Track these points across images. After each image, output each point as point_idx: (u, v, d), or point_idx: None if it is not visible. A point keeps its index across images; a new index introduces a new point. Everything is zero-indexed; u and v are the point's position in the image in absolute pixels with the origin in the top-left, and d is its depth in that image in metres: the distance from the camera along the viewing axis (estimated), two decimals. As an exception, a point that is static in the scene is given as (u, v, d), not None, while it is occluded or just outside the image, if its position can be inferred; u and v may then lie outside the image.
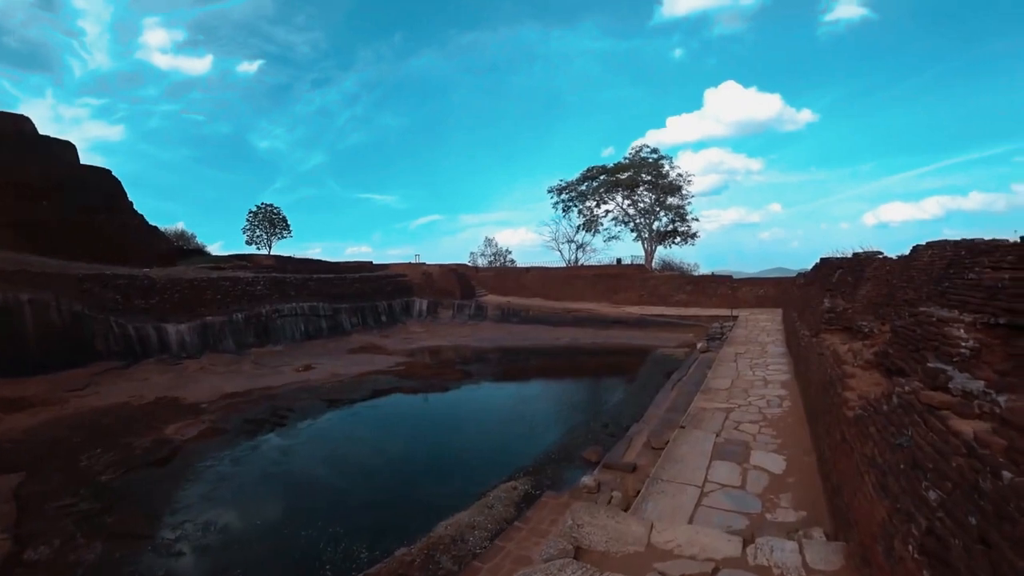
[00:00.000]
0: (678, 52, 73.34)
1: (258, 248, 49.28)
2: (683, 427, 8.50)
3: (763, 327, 21.29)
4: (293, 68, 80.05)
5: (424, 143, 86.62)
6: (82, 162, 26.20)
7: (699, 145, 70.24)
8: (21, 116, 24.09)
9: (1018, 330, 4.35)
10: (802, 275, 20.76)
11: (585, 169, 40.95)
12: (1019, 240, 4.97)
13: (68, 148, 25.85)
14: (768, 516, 5.53)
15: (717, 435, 8.04)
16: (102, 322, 17.56)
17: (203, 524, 8.11)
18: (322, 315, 27.62)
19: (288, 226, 53.21)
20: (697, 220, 40.46)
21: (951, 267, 6.18)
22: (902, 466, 3.30)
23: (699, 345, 18.89)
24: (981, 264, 5.39)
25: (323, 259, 37.86)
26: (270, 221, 52.48)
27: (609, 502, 6.63)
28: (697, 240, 40.17)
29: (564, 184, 41.79)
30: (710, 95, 68.73)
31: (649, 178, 38.75)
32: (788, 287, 25.16)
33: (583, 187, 40.63)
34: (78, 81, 70.04)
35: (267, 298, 24.92)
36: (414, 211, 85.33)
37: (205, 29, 73.75)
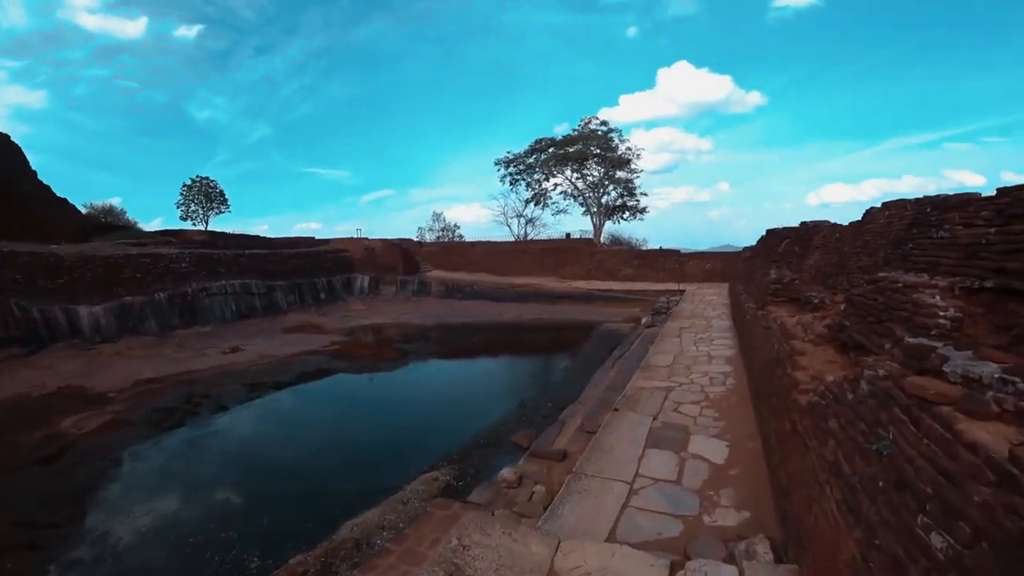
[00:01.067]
0: (632, 31, 72.58)
1: (194, 224, 46.01)
2: (617, 410, 7.60)
3: (709, 301, 20.85)
4: (235, 33, 74.75)
5: (374, 115, 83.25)
6: None
7: (651, 124, 70.29)
8: None
9: (1007, 294, 3.49)
10: (748, 249, 20.35)
11: (533, 141, 39.74)
12: (997, 192, 4.14)
13: None
14: (706, 519, 4.65)
15: (654, 418, 7.16)
16: (0, 305, 15.35)
17: (77, 531, 7.03)
18: (255, 293, 25.57)
19: (226, 200, 49.90)
20: (646, 195, 39.99)
21: (914, 227, 5.35)
22: (881, 483, 2.35)
23: (643, 320, 18.23)
24: (951, 221, 4.56)
25: (262, 235, 35.54)
26: (206, 195, 49.05)
27: (530, 499, 5.67)
28: (647, 216, 39.77)
29: (512, 156, 40.35)
30: (663, 74, 68.67)
31: (598, 151, 37.75)
32: (734, 261, 24.88)
33: (531, 160, 39.32)
34: None
35: (193, 276, 22.79)
36: (364, 186, 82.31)
37: None
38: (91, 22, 66.02)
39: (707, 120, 73.18)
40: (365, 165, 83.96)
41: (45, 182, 26.13)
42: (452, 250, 35.53)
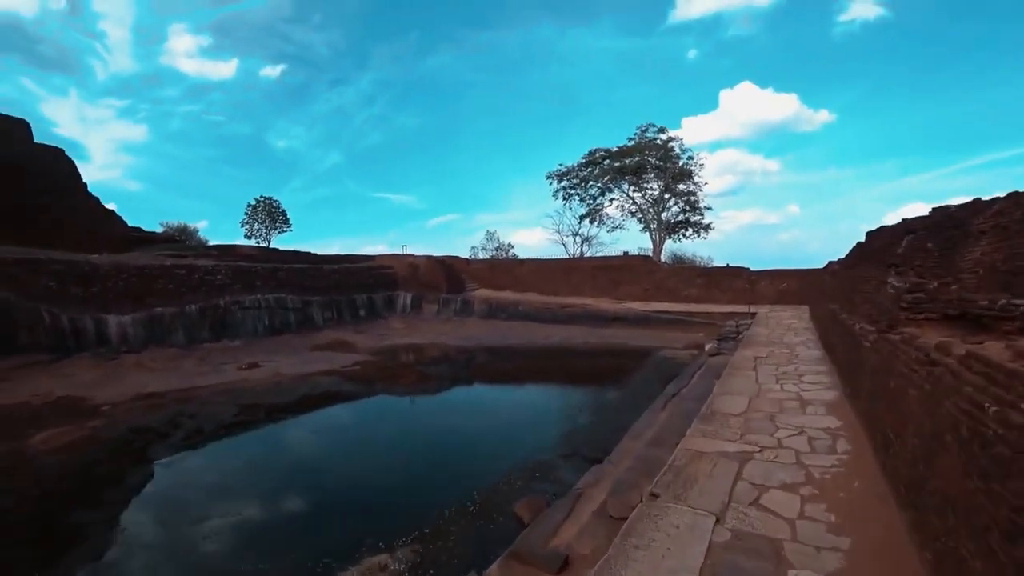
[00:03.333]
0: (692, 53, 68.99)
1: (258, 242, 46.23)
2: (656, 496, 4.49)
3: (788, 325, 17.02)
4: (311, 68, 78.00)
5: (440, 143, 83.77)
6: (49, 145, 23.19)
7: (715, 146, 65.93)
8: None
9: None
10: (838, 261, 16.44)
11: (587, 152, 36.40)
12: None
13: (20, 126, 22.91)
14: None
15: (718, 520, 4.01)
16: (31, 311, 14.86)
17: None
18: (290, 308, 24.12)
19: (288, 220, 50.41)
20: (710, 209, 35.89)
21: None
22: None
23: (707, 347, 14.74)
24: None
25: (314, 252, 34.27)
26: (269, 214, 49.61)
27: None
28: (712, 235, 35.77)
29: (565, 169, 37.25)
30: (725, 96, 64.37)
31: (657, 162, 34.26)
32: (816, 279, 20.81)
33: (585, 172, 36.20)
34: (101, 83, 68.73)
35: (228, 288, 21.64)
36: (431, 210, 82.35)
37: (227, 32, 71.88)
38: (189, 66, 70.48)
39: (773, 140, 67.95)
40: (431, 190, 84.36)
41: (94, 195, 25.97)
42: (499, 268, 32.96)
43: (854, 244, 13.01)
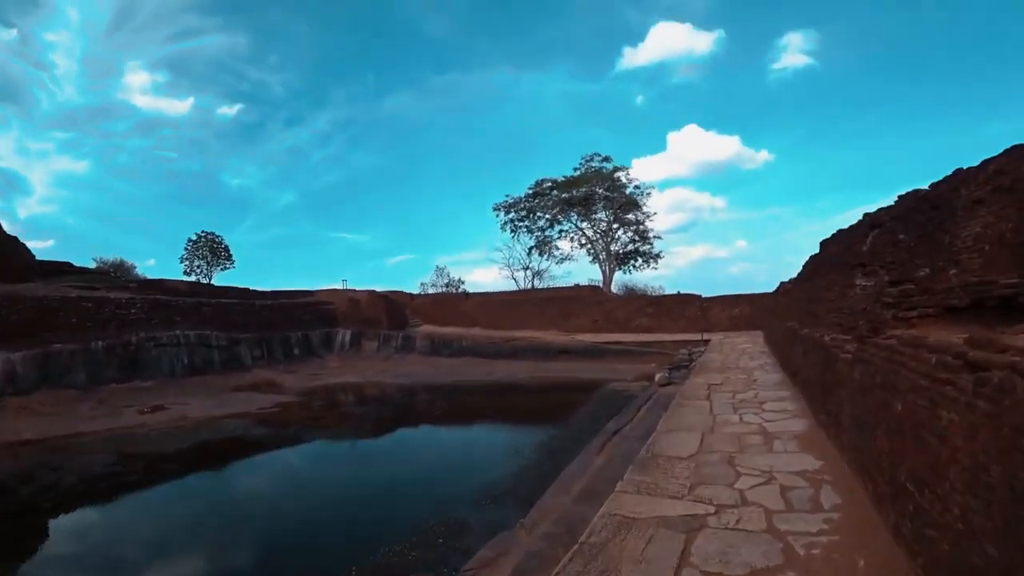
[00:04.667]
0: (640, 99, 71.07)
1: (198, 279, 42.77)
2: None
3: (743, 350, 15.69)
4: (266, 107, 75.96)
5: (397, 182, 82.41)
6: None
7: (664, 184, 67.10)
8: None
9: None
10: (786, 283, 15.32)
11: (534, 183, 35.28)
12: None
13: None
14: None
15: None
16: None
17: None
18: (214, 346, 21.51)
19: (231, 256, 46.94)
20: (660, 238, 34.95)
21: None
22: None
23: (657, 377, 13.13)
24: None
25: (256, 288, 31.42)
26: (211, 250, 46.15)
27: None
28: (664, 266, 35.06)
29: (511, 200, 35.84)
30: (672, 137, 66.33)
31: (605, 192, 33.47)
32: (768, 302, 19.78)
33: (533, 203, 34.92)
34: (45, 114, 64.96)
35: (142, 324, 19.17)
36: (388, 250, 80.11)
37: (182, 69, 69.88)
38: (143, 101, 67.62)
39: (719, 179, 69.78)
40: (388, 230, 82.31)
41: None
42: (444, 303, 31.02)
43: (806, 259, 11.84)
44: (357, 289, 30.86)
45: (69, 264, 25.92)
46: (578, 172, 33.95)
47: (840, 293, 6.55)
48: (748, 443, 5.46)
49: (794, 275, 14.40)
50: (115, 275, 30.82)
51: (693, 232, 72.78)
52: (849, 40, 64.57)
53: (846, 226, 8.21)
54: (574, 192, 33.16)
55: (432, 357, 24.92)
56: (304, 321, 27.09)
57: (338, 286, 31.65)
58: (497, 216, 35.92)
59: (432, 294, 33.21)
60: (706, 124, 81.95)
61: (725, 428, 6.18)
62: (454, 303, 30.44)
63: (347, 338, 27.55)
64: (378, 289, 31.11)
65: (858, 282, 5.69)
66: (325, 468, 10.52)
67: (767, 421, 6.36)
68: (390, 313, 28.59)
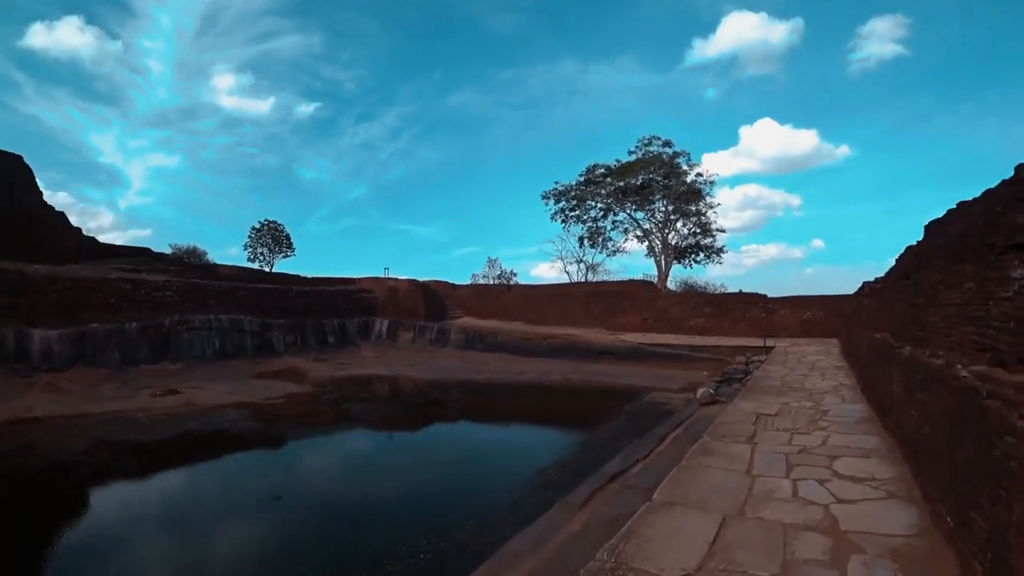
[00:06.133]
0: (710, 91, 66.14)
1: (261, 266, 43.52)
2: None
3: (813, 363, 12.60)
4: (339, 103, 78.38)
5: (462, 176, 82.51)
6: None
7: (735, 180, 62.25)
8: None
9: None
10: (873, 282, 12.01)
11: (585, 169, 31.91)
12: None
13: None
14: None
15: None
16: None
17: None
18: (247, 331, 20.92)
19: (291, 244, 47.55)
20: (723, 231, 31.03)
21: None
22: None
23: (699, 392, 10.44)
24: None
25: (304, 275, 30.86)
26: (273, 238, 46.90)
27: None
28: (734, 265, 32.08)
29: (561, 188, 32.55)
30: (745, 132, 61.58)
31: (663, 180, 30.06)
32: (849, 306, 16.33)
33: (584, 191, 31.98)
34: (141, 114, 70.30)
35: (176, 306, 18.86)
36: (453, 243, 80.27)
37: (264, 70, 73.39)
38: (228, 101, 71.42)
39: (795, 176, 63.81)
40: (453, 223, 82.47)
41: (48, 203, 23.42)
42: (485, 294, 29.05)
43: (903, 249, 8.77)
44: (398, 278, 29.50)
45: (121, 247, 26.16)
46: (634, 157, 30.64)
47: (976, 294, 3.88)
48: (800, 555, 2.97)
49: (881, 274, 11.27)
50: (188, 260, 31.36)
51: (766, 230, 67.03)
52: (942, 23, 56.66)
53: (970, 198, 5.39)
54: (629, 181, 30.03)
55: (466, 351, 23.05)
56: (341, 309, 26.00)
57: (380, 275, 30.42)
58: (546, 205, 33.17)
59: (474, 285, 31.29)
60: (781, 118, 75.26)
61: (764, 510, 3.68)
62: (496, 296, 28.42)
63: (384, 328, 26.20)
64: (421, 280, 29.63)
65: (1016, 274, 3.13)
66: (285, 479, 8.74)
67: (840, 501, 3.78)
68: (428, 303, 26.99)
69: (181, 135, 73.41)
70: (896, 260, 9.37)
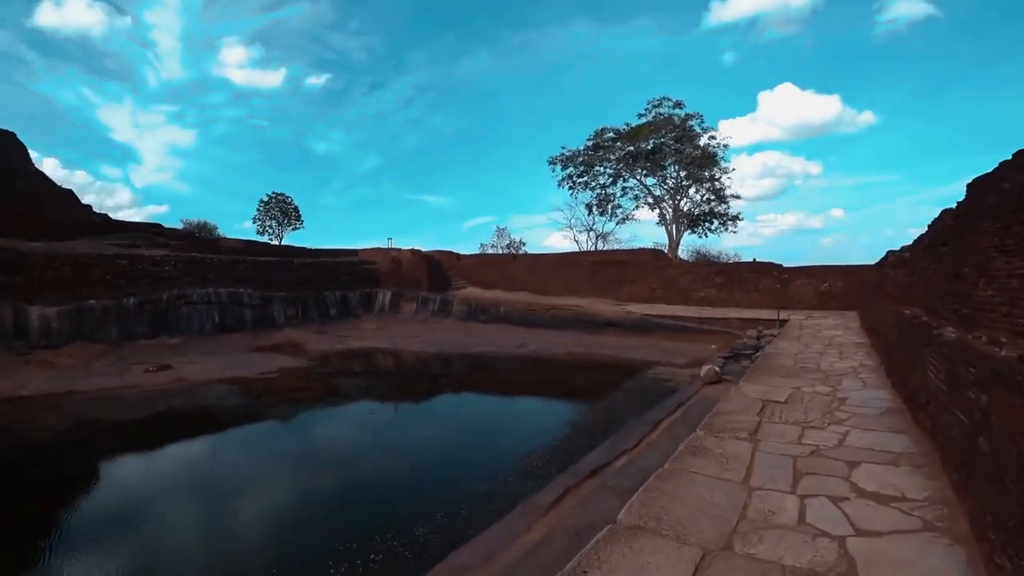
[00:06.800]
0: (728, 56, 62.62)
1: (269, 239, 43.07)
2: None
3: (830, 339, 11.52)
4: (350, 73, 76.50)
5: (475, 145, 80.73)
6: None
7: (754, 148, 59.45)
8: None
9: None
10: (899, 251, 10.77)
11: (593, 133, 30.08)
12: None
13: None
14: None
15: None
16: None
17: None
18: (246, 304, 20.54)
19: (300, 217, 47.02)
20: (738, 198, 29.39)
21: None
22: None
23: (704, 369, 9.50)
24: None
25: (308, 247, 30.17)
26: (282, 211, 46.38)
27: None
28: (750, 234, 30.90)
29: (569, 153, 30.71)
30: (764, 97, 58.43)
31: (675, 144, 28.30)
32: (871, 276, 15.11)
33: (592, 156, 30.35)
34: (152, 90, 69.50)
35: (175, 281, 18.58)
36: (466, 212, 79.11)
37: (273, 41, 71.59)
38: (239, 76, 69.95)
39: (815, 143, 60.88)
40: (467, 193, 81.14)
41: (52, 180, 22.85)
42: (491, 264, 28.10)
43: (938, 212, 7.59)
44: (401, 248, 28.64)
45: (124, 222, 25.56)
46: (644, 119, 28.83)
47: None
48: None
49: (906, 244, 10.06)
50: (198, 235, 30.98)
51: (784, 199, 64.53)
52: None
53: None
54: (640, 145, 28.41)
55: (468, 323, 22.28)
56: (344, 281, 25.35)
57: (383, 245, 29.59)
58: (553, 171, 31.57)
59: (479, 255, 30.30)
60: (802, 83, 71.58)
61: (759, 544, 2.79)
62: (501, 265, 27.46)
63: (387, 299, 25.51)
64: (425, 250, 28.75)
65: None
66: (240, 461, 8.10)
67: (860, 534, 2.85)
68: (432, 274, 26.16)
69: (192, 109, 72.59)
70: (929, 226, 8.20)
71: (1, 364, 12.94)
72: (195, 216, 50.45)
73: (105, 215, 25.14)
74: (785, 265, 20.13)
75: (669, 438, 5.97)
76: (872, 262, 16.04)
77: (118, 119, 71.84)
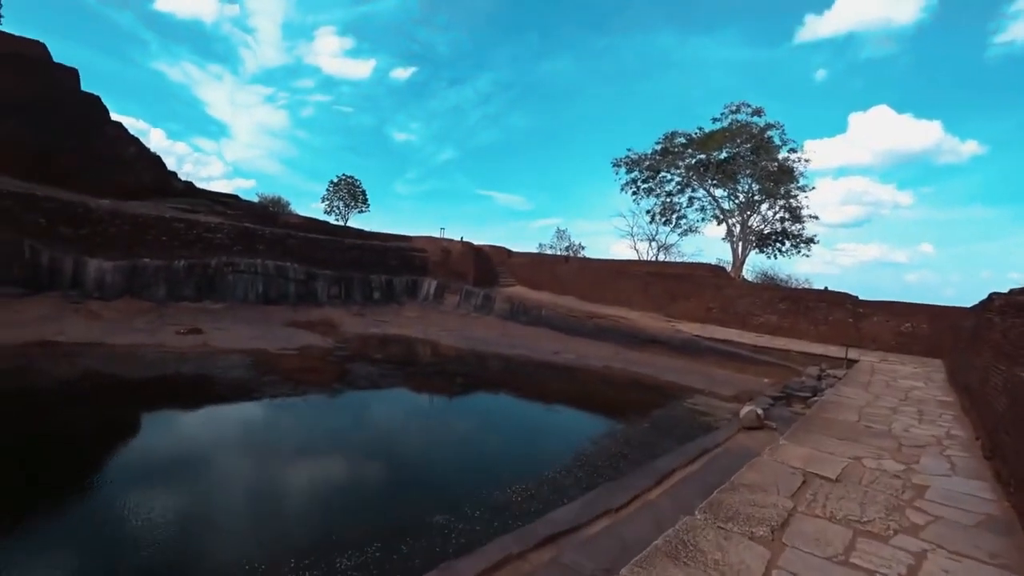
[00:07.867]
0: (820, 73, 57.44)
1: (336, 219, 44.06)
2: None
3: (908, 391, 9.41)
4: (432, 66, 78.35)
5: (549, 146, 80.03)
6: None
7: (839, 172, 54.27)
8: (33, 41, 19.97)
9: None
10: (1003, 295, 8.49)
11: (662, 136, 27.83)
12: None
13: (71, 74, 21.39)
14: None
15: None
16: (13, 245, 13.69)
17: None
18: (291, 278, 20.81)
19: (367, 200, 47.90)
20: (816, 218, 26.44)
21: None
22: None
23: (744, 410, 7.87)
24: None
25: (364, 229, 30.18)
26: (350, 192, 47.37)
27: None
28: (824, 258, 27.98)
29: (635, 156, 28.55)
30: (856, 119, 53.17)
31: (750, 156, 25.63)
32: (963, 321, 12.58)
33: (659, 161, 28.11)
34: (249, 72, 74.32)
35: (225, 248, 18.98)
36: (536, 212, 78.72)
37: (365, 33, 74.60)
38: (330, 64, 73.53)
39: (909, 171, 54.76)
40: (538, 192, 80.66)
41: (141, 143, 23.86)
42: (540, 264, 26.80)
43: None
44: (453, 239, 27.95)
45: (196, 188, 26.32)
46: (718, 124, 26.49)
47: None
48: None
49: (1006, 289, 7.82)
50: (272, 208, 32.00)
51: (868, 229, 58.90)
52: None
53: None
54: (712, 154, 26.05)
55: (507, 322, 21.19)
56: (391, 266, 25.04)
57: (436, 235, 29.04)
58: (616, 173, 29.66)
59: (530, 254, 29.03)
60: (900, 106, 64.79)
61: None
62: (550, 266, 26.11)
63: (432, 289, 24.92)
64: (477, 243, 27.90)
65: None
66: (210, 440, 7.38)
67: None
68: (479, 268, 25.28)
69: (284, 92, 76.22)
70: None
71: (54, 309, 13.46)
72: (279, 192, 52.42)
73: (190, 182, 26.04)
74: (861, 298, 17.53)
75: (673, 501, 4.57)
76: (964, 305, 13.47)
77: (216, 96, 76.74)
